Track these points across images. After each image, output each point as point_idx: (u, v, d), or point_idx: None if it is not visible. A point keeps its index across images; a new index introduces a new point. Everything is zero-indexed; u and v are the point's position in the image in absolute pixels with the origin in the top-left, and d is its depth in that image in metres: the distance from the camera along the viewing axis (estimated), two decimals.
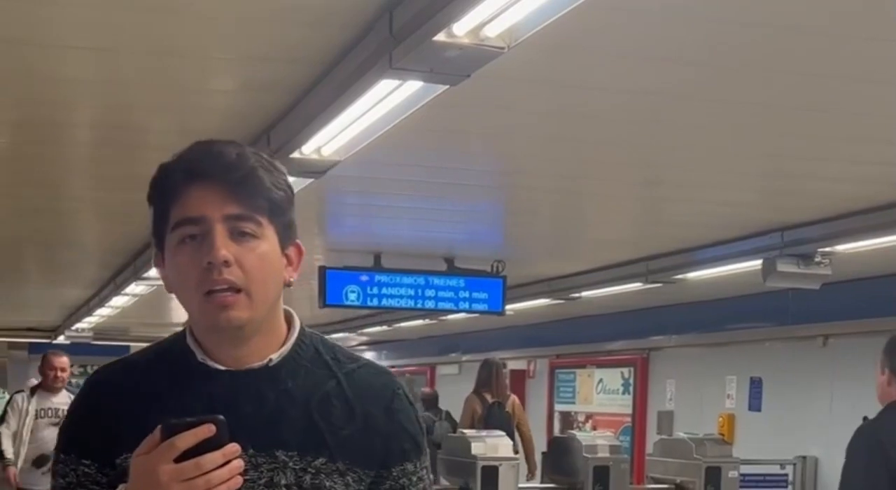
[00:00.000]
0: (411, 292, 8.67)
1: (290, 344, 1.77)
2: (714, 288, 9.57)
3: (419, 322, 13.48)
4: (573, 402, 14.82)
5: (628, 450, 12.60)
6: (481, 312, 9.09)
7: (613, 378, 13.87)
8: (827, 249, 7.04)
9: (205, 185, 1.67)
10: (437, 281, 8.76)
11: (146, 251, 8.85)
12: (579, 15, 2.90)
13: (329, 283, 8.43)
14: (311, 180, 5.02)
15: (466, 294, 8.80)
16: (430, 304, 8.77)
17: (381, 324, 14.79)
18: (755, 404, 11.00)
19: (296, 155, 4.59)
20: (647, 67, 3.88)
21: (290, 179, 5.38)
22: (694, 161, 5.52)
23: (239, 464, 1.56)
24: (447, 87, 3.48)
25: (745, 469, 9.20)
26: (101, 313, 14.18)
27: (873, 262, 7.80)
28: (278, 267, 1.73)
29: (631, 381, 13.39)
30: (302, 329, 1.80)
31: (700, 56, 3.73)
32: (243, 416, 1.67)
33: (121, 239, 8.72)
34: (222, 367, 1.73)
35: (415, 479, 1.81)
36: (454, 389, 18.25)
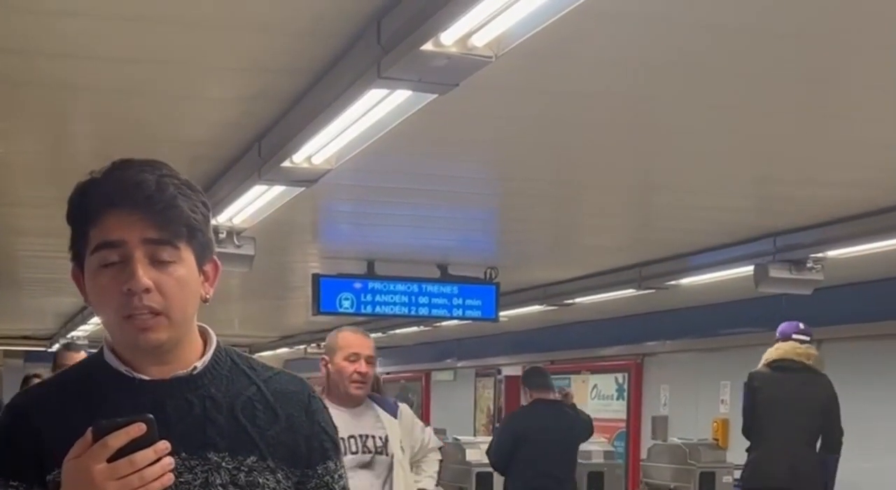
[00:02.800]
0: (405, 299, 8.68)
1: (210, 354, 1.83)
2: (707, 293, 9.59)
3: (413, 329, 13.48)
4: None
5: (623, 455, 12.63)
6: (475, 319, 9.10)
7: (607, 383, 13.88)
8: (819, 255, 7.07)
9: (124, 213, 1.71)
10: (430, 288, 8.77)
11: None
12: (567, 23, 2.92)
13: (323, 290, 8.44)
14: (302, 189, 5.03)
15: (460, 301, 8.81)
16: (423, 311, 8.79)
17: (375, 331, 14.76)
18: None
19: (287, 163, 4.60)
20: (637, 74, 3.89)
21: (281, 188, 5.39)
22: (686, 167, 5.53)
23: (170, 460, 1.62)
24: (436, 95, 3.49)
25: (738, 474, 9.22)
26: (96, 321, 14.16)
27: (865, 267, 7.82)
28: (195, 287, 1.78)
29: (625, 386, 13.40)
30: (218, 342, 1.87)
31: (690, 62, 3.74)
32: (171, 422, 1.72)
33: None
34: (147, 378, 1.78)
35: (336, 476, 1.89)
36: (448, 395, 18.28)
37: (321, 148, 4.39)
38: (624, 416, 13.33)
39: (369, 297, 8.58)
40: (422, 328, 13.42)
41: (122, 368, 1.78)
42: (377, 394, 4.92)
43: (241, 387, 1.84)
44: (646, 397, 12.98)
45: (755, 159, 5.29)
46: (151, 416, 1.61)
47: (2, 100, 4.46)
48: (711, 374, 11.56)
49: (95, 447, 1.58)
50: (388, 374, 20.39)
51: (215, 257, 1.84)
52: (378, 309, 8.65)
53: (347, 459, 3.50)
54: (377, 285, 8.63)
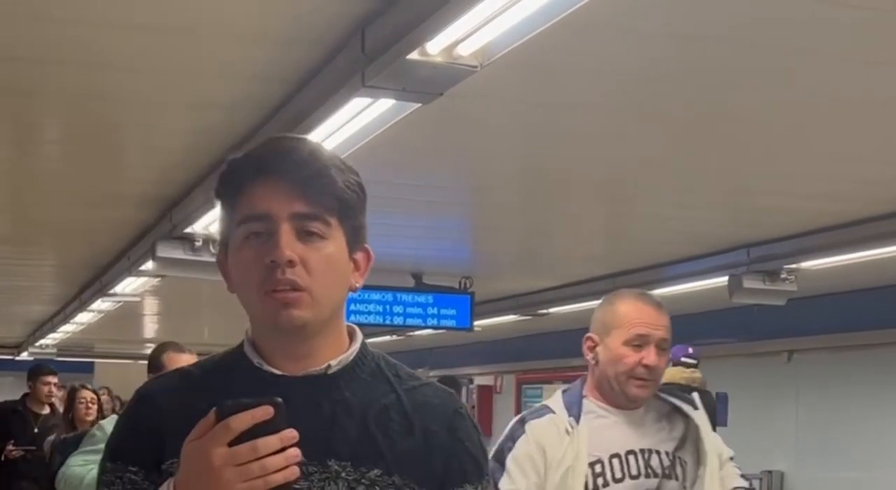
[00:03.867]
0: (379, 308, 8.67)
1: (351, 354, 1.69)
2: (680, 303, 9.61)
3: (386, 337, 13.46)
4: None
5: None
6: (449, 328, 9.10)
7: None
8: (792, 266, 7.11)
9: (273, 182, 1.61)
10: (405, 297, 8.76)
11: (112, 267, 8.80)
12: (550, 34, 2.92)
13: None
14: None
15: (435, 310, 8.80)
16: (398, 320, 8.78)
17: None
18: (721, 419, 11.03)
19: None
20: (615, 85, 3.91)
21: None
22: (661, 178, 5.55)
23: (296, 452, 1.47)
24: (419, 105, 3.49)
25: None
26: (66, 330, 14.06)
27: (838, 279, 7.87)
28: (345, 270, 1.65)
29: None
30: (364, 344, 1.73)
31: (666, 73, 3.76)
32: (296, 422, 1.53)
33: (87, 255, 8.66)
34: (278, 372, 1.66)
35: None
36: None
37: None
38: None
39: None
40: (393, 337, 13.40)
41: (255, 360, 1.67)
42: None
43: (379, 394, 1.69)
44: None
45: (729, 171, 5.32)
46: (280, 400, 1.47)
47: None
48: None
49: (217, 429, 1.45)
50: None
51: (368, 247, 1.71)
52: (353, 318, 8.62)
53: (625, 486, 2.91)
54: (351, 294, 8.60)
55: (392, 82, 3.24)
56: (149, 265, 7.35)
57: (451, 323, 8.91)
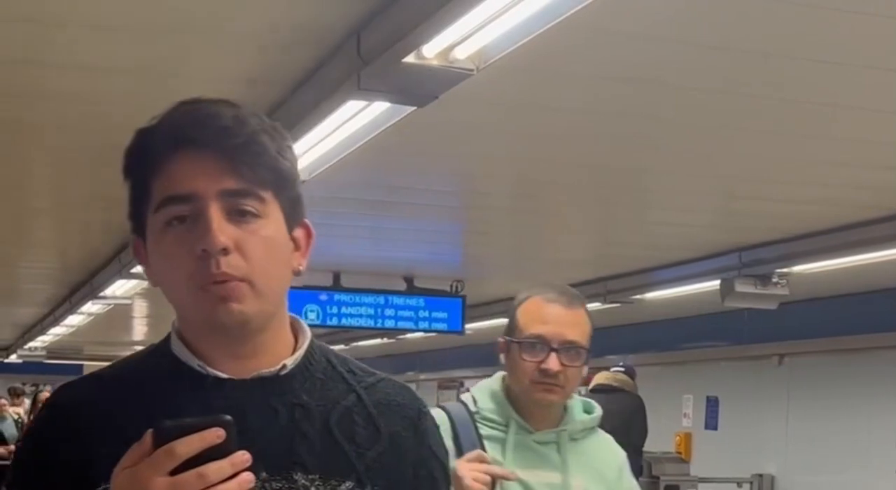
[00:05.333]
0: (371, 312, 8.67)
1: (303, 350, 1.48)
2: (671, 307, 9.65)
3: (377, 341, 13.46)
4: None
5: None
6: (441, 332, 9.10)
7: None
8: (784, 270, 7.13)
9: (195, 155, 1.37)
10: (396, 300, 8.77)
11: (103, 270, 8.78)
12: (544, 38, 2.92)
13: (289, 301, 8.38)
14: None
15: (426, 313, 8.81)
16: (389, 324, 8.78)
17: (337, 343, 14.74)
18: (711, 423, 11.08)
19: None
20: (609, 89, 3.91)
21: None
22: (653, 182, 5.56)
23: (250, 477, 1.26)
24: (414, 108, 3.49)
25: (702, 487, 9.27)
26: (56, 332, 14.03)
27: (829, 283, 7.89)
28: (286, 252, 1.44)
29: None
30: (312, 338, 1.52)
31: (659, 78, 3.77)
32: (252, 433, 1.36)
33: (78, 257, 8.64)
34: (224, 376, 1.42)
35: None
36: None
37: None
38: None
39: (335, 309, 8.56)
40: (384, 340, 13.40)
41: (194, 363, 1.42)
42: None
43: (337, 394, 1.49)
44: None
45: (722, 175, 5.33)
46: (230, 418, 1.26)
47: None
48: (674, 388, 11.62)
49: (157, 454, 1.23)
50: None
51: (307, 222, 1.49)
52: (344, 321, 8.62)
53: None
54: (343, 297, 8.61)
55: (388, 85, 3.24)
56: (140, 268, 7.33)
57: (443, 326, 8.92)
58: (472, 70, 3.02)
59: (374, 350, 15.44)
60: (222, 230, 1.35)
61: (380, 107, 3.53)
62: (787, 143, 4.63)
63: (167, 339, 1.48)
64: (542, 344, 2.57)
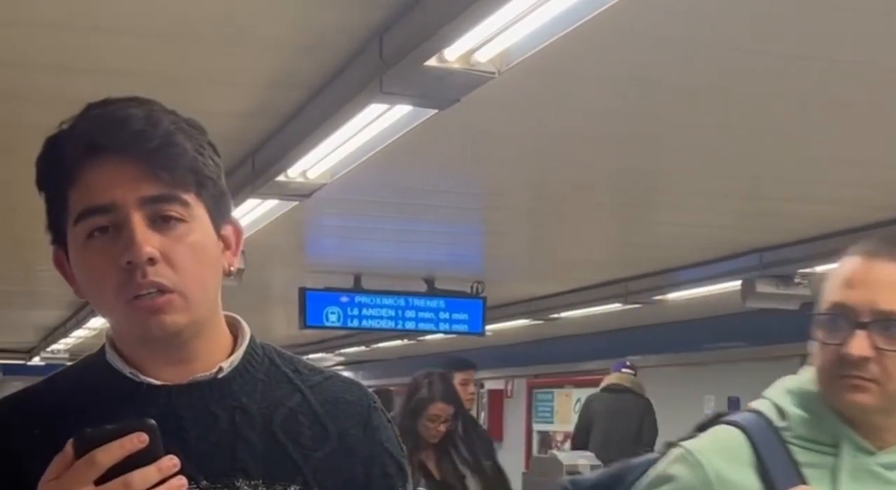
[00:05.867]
0: (392, 313, 8.68)
1: (241, 352, 1.44)
2: (692, 308, 9.62)
3: (398, 342, 13.47)
4: (551, 422, 14.83)
5: None
6: (461, 333, 9.10)
7: None
8: (806, 270, 7.10)
9: (110, 162, 1.32)
10: (417, 302, 8.77)
11: None
12: (566, 40, 2.93)
13: (309, 304, 8.42)
14: (295, 203, 5.03)
15: (447, 315, 8.81)
16: (410, 325, 8.78)
17: (359, 344, 14.77)
18: None
19: (281, 178, 4.60)
20: (629, 90, 3.91)
21: (274, 202, 5.35)
22: (673, 183, 5.56)
23: (181, 482, 1.23)
24: (436, 111, 3.50)
25: None
26: (78, 335, 14.09)
27: None
28: (215, 255, 1.38)
29: None
30: (252, 337, 1.47)
31: (679, 80, 3.77)
32: (191, 439, 1.34)
33: None
34: (158, 382, 1.38)
35: None
36: None
37: (317, 162, 4.39)
38: None
39: (356, 311, 8.58)
40: (405, 342, 13.41)
41: (127, 371, 1.39)
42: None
43: (281, 395, 1.44)
44: None
45: (743, 175, 5.32)
46: (153, 422, 1.23)
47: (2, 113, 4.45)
48: (695, 389, 11.59)
49: (79, 465, 1.20)
50: (371, 387, 20.33)
51: (234, 218, 1.44)
52: (365, 323, 8.64)
53: None
54: (364, 299, 8.63)
55: (409, 89, 3.25)
56: None
57: (463, 327, 8.92)
58: (493, 73, 3.03)
59: (394, 351, 15.46)
60: (147, 240, 1.31)
61: (402, 110, 3.54)
62: (808, 142, 4.63)
63: (102, 350, 1.45)
64: (843, 317, 1.79)
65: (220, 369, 1.41)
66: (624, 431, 9.09)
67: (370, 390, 1.55)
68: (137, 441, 1.21)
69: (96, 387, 1.40)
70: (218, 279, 1.40)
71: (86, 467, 1.20)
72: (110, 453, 1.20)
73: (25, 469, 1.31)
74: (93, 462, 1.20)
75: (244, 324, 1.48)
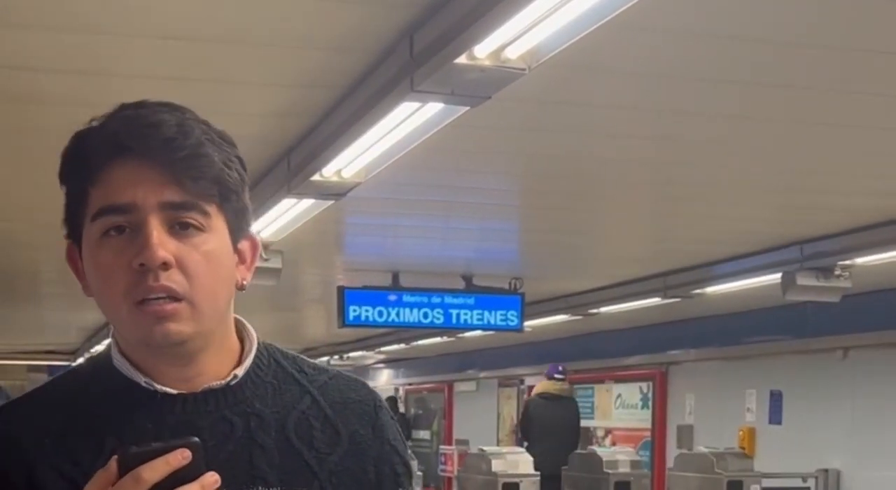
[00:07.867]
0: (430, 311, 8.69)
1: (252, 356, 1.43)
2: (732, 301, 9.57)
3: (436, 339, 13.49)
4: (591, 418, 14.79)
5: (648, 465, 12.59)
6: (500, 329, 9.10)
7: (632, 393, 13.84)
8: (847, 262, 7.04)
9: (137, 164, 1.30)
10: (455, 299, 8.78)
11: None
12: (597, 35, 2.92)
13: (348, 302, 8.45)
14: (331, 202, 5.05)
15: (485, 312, 8.81)
16: (449, 322, 8.79)
17: (398, 342, 14.80)
18: (775, 417, 10.97)
19: (316, 177, 4.61)
20: (665, 85, 3.90)
21: (310, 202, 5.37)
22: (712, 177, 5.52)
23: None
24: (468, 108, 3.50)
25: (766, 483, 9.18)
26: None
27: (893, 274, 7.78)
28: (229, 267, 1.37)
29: (650, 395, 13.36)
30: (258, 340, 1.47)
31: (717, 74, 3.75)
32: (209, 449, 1.30)
33: None
34: (173, 391, 1.37)
35: None
36: (471, 406, 18.27)
37: (351, 161, 4.40)
38: (649, 425, 13.29)
39: (395, 309, 8.59)
40: (444, 339, 13.43)
41: (141, 379, 1.36)
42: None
43: (291, 398, 1.44)
44: (670, 406, 12.93)
45: (782, 168, 5.29)
46: (198, 440, 1.24)
47: (17, 117, 4.47)
48: (737, 383, 11.52)
49: (124, 482, 1.20)
50: (410, 384, 20.41)
51: (252, 233, 1.43)
52: (403, 320, 8.65)
53: None
54: (402, 297, 8.64)
55: (441, 86, 3.25)
56: None
57: (502, 324, 8.91)
58: (523, 69, 3.02)
59: (434, 349, 15.49)
60: (162, 244, 1.29)
61: (433, 108, 3.55)
62: (848, 135, 4.59)
63: (106, 355, 1.42)
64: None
65: (235, 376, 1.40)
66: (564, 437, 10.94)
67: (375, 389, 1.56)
68: (182, 457, 1.21)
69: (110, 395, 1.38)
70: (230, 292, 1.38)
71: (131, 484, 1.20)
72: (156, 470, 1.20)
73: (40, 476, 1.31)
74: (138, 479, 1.20)
75: (250, 327, 1.46)
